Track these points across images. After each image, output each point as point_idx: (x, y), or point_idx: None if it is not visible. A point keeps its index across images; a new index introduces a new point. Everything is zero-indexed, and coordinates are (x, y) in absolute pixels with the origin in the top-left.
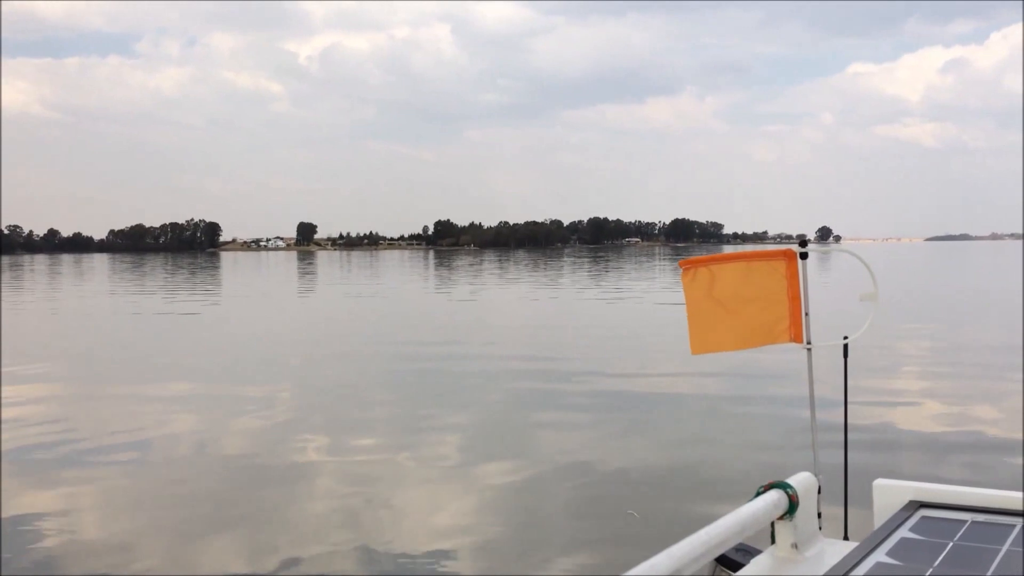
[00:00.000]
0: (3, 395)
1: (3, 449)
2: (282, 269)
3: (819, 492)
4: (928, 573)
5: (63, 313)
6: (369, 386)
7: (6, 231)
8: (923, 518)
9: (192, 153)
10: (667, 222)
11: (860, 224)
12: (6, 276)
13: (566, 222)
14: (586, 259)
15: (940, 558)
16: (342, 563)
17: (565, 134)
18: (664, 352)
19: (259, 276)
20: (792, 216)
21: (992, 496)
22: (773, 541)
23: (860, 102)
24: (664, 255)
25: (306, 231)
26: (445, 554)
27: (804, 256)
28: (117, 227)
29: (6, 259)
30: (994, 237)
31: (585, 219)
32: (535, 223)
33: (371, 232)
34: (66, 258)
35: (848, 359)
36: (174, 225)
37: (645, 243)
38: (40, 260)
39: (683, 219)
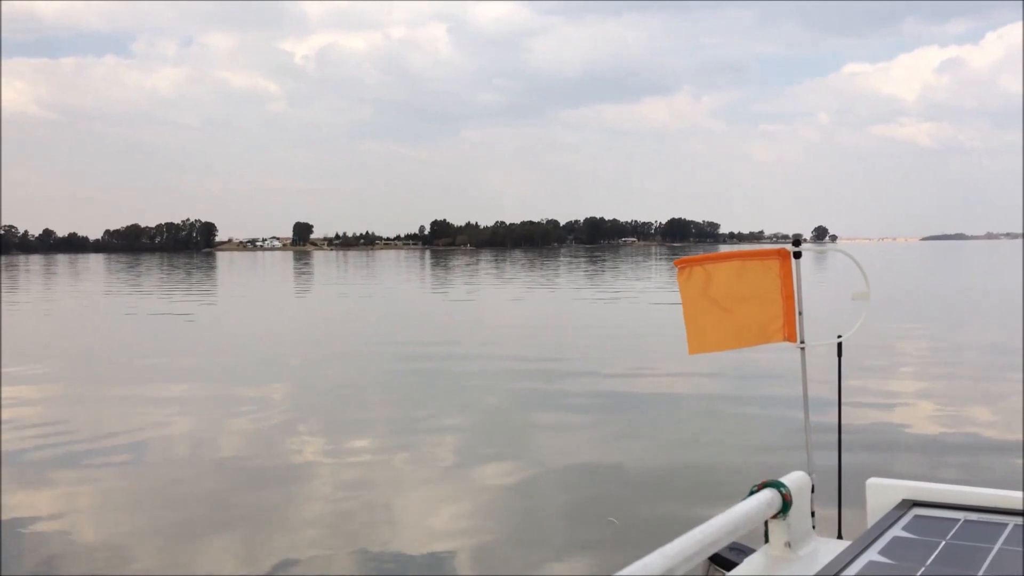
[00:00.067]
0: (0, 396)
1: (1, 451)
2: (278, 269)
3: (813, 491)
4: (920, 572)
5: (58, 314)
6: (367, 387)
7: (1, 232)
8: (916, 517)
9: (188, 153)
10: (663, 222)
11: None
12: (1, 276)
13: (562, 222)
14: (582, 259)
15: (932, 557)
16: (340, 564)
17: (562, 134)
18: (661, 352)
19: (255, 276)
20: (788, 216)
21: (985, 495)
22: (767, 540)
23: (856, 102)
24: (660, 255)
25: (302, 231)
26: (443, 555)
27: (797, 255)
28: (113, 227)
29: (1, 259)
30: (989, 236)
31: (581, 219)
32: (531, 223)
33: (367, 232)
34: (61, 258)
35: (842, 358)
36: (170, 225)
37: (641, 243)
38: (35, 260)
39: (679, 219)
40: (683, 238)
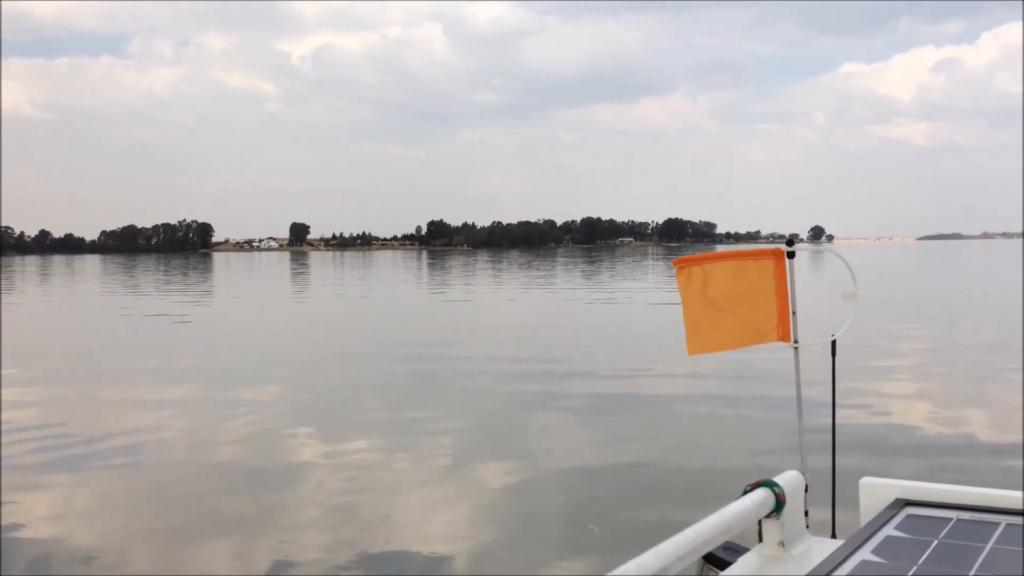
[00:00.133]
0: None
1: (0, 452)
2: (275, 270)
3: (806, 490)
4: (912, 571)
5: (54, 315)
6: (364, 388)
7: None
8: (908, 516)
9: (185, 153)
10: (660, 222)
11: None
12: None
13: (559, 222)
14: (579, 259)
15: (925, 556)
16: (339, 565)
17: (558, 134)
18: (659, 353)
19: (252, 278)
20: (785, 215)
21: (978, 494)
22: (760, 539)
23: (852, 102)
24: (657, 255)
25: (299, 232)
26: (442, 556)
27: (791, 255)
28: (109, 228)
29: None
30: (985, 236)
31: (578, 219)
32: (528, 223)
33: (364, 232)
34: (57, 259)
35: (836, 358)
36: (166, 226)
37: (638, 243)
38: (31, 261)
39: (676, 219)
40: (680, 238)
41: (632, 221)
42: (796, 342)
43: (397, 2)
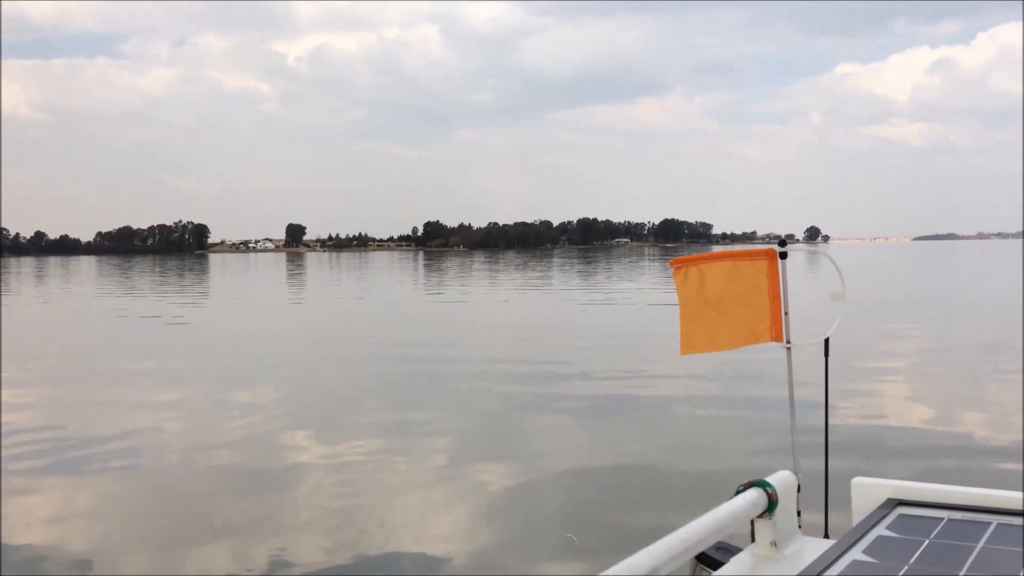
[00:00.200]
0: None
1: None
2: (271, 271)
3: (799, 490)
4: (904, 570)
5: (50, 317)
6: (362, 389)
7: None
8: (900, 516)
9: (181, 154)
10: (656, 222)
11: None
12: None
13: (555, 223)
14: (576, 260)
15: (916, 555)
16: (338, 566)
17: (555, 134)
18: (656, 354)
19: (248, 279)
20: (781, 216)
21: (969, 494)
22: (753, 539)
23: (848, 102)
24: (653, 255)
25: (295, 232)
26: (440, 557)
27: (783, 256)
28: (105, 229)
29: None
30: (980, 236)
31: (574, 219)
32: (524, 224)
33: (360, 233)
34: (53, 261)
35: (829, 358)
36: (162, 227)
37: (634, 243)
38: (27, 263)
39: (672, 219)
40: (676, 239)
41: (628, 222)
42: (788, 342)
43: (394, 2)
